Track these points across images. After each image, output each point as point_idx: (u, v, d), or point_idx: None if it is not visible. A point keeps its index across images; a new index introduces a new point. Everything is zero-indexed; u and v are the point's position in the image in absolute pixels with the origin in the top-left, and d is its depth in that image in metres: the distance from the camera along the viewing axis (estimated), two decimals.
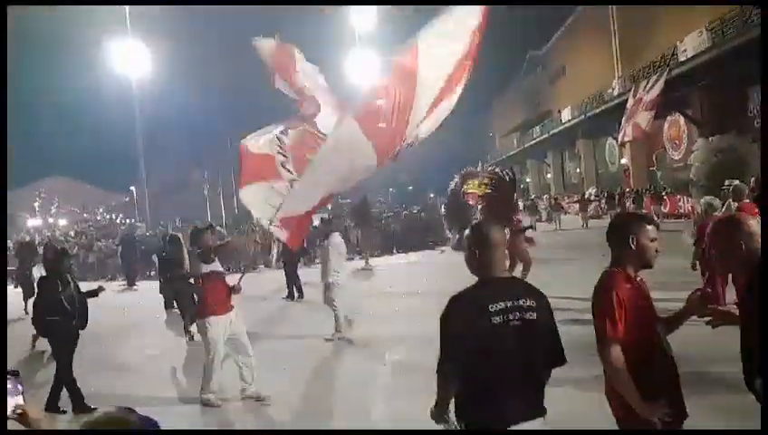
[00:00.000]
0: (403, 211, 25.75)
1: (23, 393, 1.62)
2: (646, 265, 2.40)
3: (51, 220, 44.24)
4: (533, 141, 43.21)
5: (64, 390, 5.31)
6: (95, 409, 4.85)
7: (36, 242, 17.86)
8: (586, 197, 26.47)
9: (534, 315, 2.28)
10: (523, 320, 2.25)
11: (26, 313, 11.72)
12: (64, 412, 5.21)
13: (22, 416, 1.58)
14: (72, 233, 24.44)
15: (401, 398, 4.90)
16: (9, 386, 1.61)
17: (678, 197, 20.62)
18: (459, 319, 2.25)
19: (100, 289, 5.84)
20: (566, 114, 36.03)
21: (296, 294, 11.28)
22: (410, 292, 10.40)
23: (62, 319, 5.25)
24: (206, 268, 5.36)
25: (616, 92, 27.97)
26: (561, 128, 36.63)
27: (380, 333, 7.39)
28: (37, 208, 45.30)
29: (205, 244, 5.50)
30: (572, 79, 38.01)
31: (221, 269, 5.56)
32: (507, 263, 2.45)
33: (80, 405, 5.23)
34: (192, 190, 39.22)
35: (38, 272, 10.73)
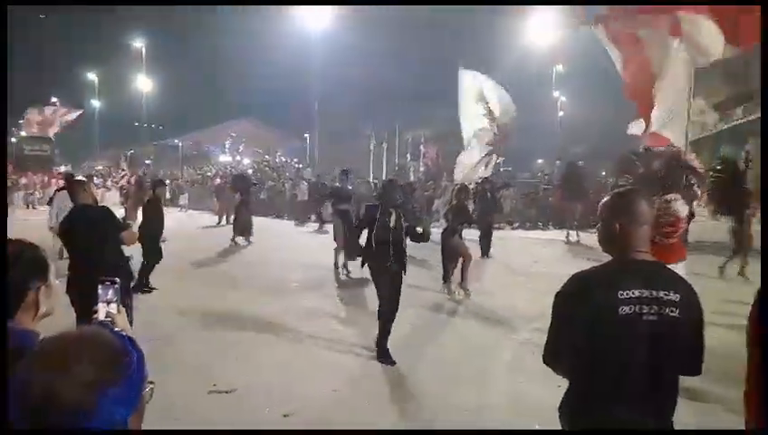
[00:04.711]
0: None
1: (116, 302, 1.62)
2: None
3: (238, 158, 48.82)
4: (730, 125, 37.56)
5: None
6: None
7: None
8: None
9: (677, 313, 1.84)
10: (660, 316, 1.84)
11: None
12: None
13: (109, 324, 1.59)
14: (250, 171, 26.87)
15: None
16: (100, 291, 1.62)
17: None
18: (577, 303, 1.88)
19: None
20: None
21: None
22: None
23: None
24: None
25: None
26: None
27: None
28: (227, 146, 50.36)
29: None
30: None
31: None
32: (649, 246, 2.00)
33: None
34: (359, 142, 40.89)
35: None
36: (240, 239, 13.62)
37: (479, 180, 11.85)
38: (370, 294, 7.75)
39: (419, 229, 5.56)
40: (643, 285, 1.85)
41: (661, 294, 1.85)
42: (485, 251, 12.10)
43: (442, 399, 4.70)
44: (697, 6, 5.08)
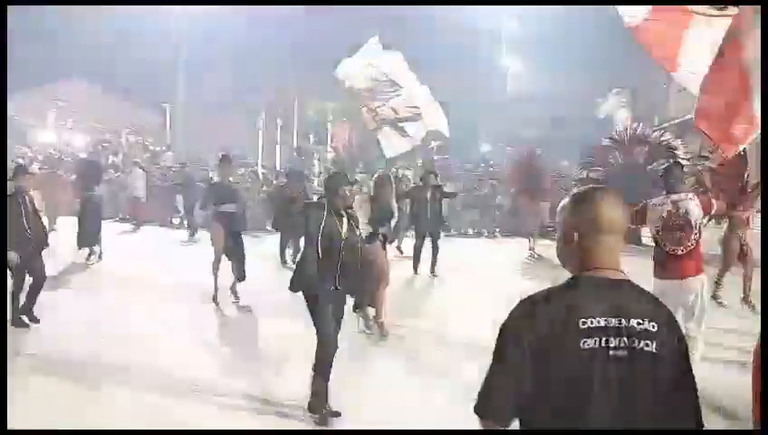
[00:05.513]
0: None
1: None
2: None
3: (66, 136, 46.49)
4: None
5: None
6: None
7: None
8: None
9: (654, 347, 1.89)
10: (632, 351, 1.88)
11: None
12: None
13: None
14: (85, 155, 25.75)
15: None
16: None
17: None
18: (524, 336, 1.89)
19: None
20: None
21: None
22: None
23: None
24: None
25: None
26: None
27: None
28: (50, 120, 47.67)
29: None
30: None
31: None
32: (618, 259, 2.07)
33: None
34: (242, 118, 39.95)
35: None
36: (86, 253, 13.19)
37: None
38: (263, 329, 7.80)
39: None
40: (610, 311, 1.89)
41: (633, 322, 1.90)
42: (431, 268, 12.70)
43: None
44: None
